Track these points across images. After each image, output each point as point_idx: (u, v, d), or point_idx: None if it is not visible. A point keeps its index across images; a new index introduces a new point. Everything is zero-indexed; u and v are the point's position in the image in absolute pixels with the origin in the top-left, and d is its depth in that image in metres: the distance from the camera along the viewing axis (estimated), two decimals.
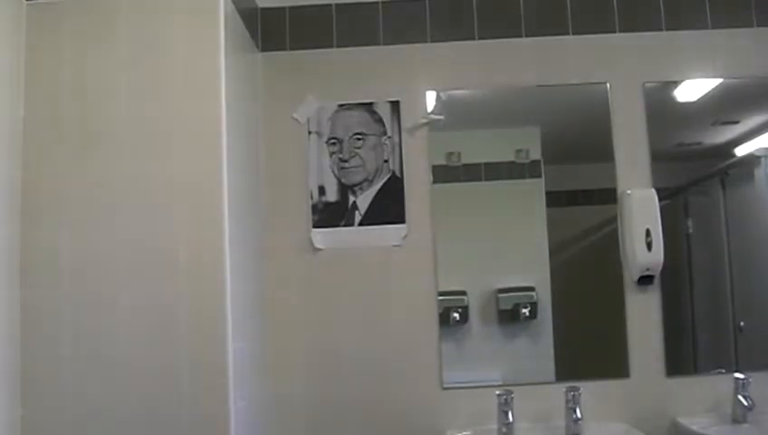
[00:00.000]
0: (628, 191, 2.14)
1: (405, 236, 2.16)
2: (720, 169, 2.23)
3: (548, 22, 2.22)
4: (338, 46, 2.24)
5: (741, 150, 2.21)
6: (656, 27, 2.22)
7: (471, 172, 2.20)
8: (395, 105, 2.21)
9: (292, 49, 2.24)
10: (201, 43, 1.74)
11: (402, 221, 2.17)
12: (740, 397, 1.99)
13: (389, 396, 2.10)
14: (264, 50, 2.24)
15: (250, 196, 2.01)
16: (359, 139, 2.20)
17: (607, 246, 2.16)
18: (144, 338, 1.66)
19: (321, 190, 2.19)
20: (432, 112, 2.21)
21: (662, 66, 2.21)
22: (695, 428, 1.94)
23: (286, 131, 2.21)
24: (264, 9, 2.24)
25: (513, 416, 1.95)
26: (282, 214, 2.18)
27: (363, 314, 2.14)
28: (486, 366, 2.13)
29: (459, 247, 2.16)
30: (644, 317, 2.12)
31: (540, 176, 2.18)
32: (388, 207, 2.17)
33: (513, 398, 1.96)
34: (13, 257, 1.68)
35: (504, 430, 1.96)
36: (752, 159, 2.21)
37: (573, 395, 1.95)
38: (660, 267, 2.10)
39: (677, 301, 2.16)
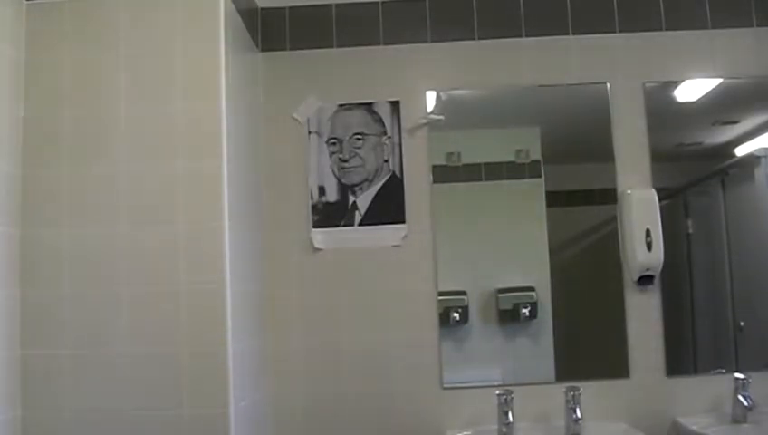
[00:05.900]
0: (629, 191, 2.14)
1: (405, 237, 2.16)
2: (720, 169, 2.23)
3: (548, 22, 2.22)
4: (338, 46, 2.24)
5: (741, 150, 2.21)
6: (656, 27, 2.22)
7: (471, 172, 2.20)
8: (395, 105, 2.21)
9: (292, 49, 2.24)
10: (201, 43, 1.74)
11: (402, 221, 2.17)
12: (740, 397, 1.98)
13: (389, 396, 2.10)
14: (264, 50, 2.24)
15: (250, 196, 2.01)
16: (359, 139, 2.20)
17: (607, 246, 2.16)
18: (144, 338, 1.66)
19: (321, 190, 2.19)
20: (432, 112, 2.21)
21: (662, 66, 2.21)
22: (695, 428, 1.94)
23: (286, 131, 2.21)
24: (264, 9, 2.24)
25: (513, 416, 1.95)
26: (282, 214, 2.18)
27: (363, 315, 2.14)
28: (486, 366, 2.13)
29: (459, 247, 2.16)
30: (644, 317, 2.12)
31: (540, 176, 2.18)
32: (388, 207, 2.17)
33: (513, 398, 1.96)
34: (13, 257, 1.68)
35: (503, 429, 1.96)
36: (752, 159, 2.21)
37: (573, 395, 1.95)
38: (660, 267, 2.10)
39: (677, 301, 2.16)
